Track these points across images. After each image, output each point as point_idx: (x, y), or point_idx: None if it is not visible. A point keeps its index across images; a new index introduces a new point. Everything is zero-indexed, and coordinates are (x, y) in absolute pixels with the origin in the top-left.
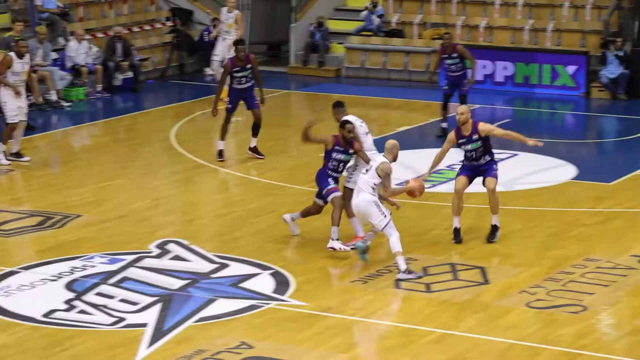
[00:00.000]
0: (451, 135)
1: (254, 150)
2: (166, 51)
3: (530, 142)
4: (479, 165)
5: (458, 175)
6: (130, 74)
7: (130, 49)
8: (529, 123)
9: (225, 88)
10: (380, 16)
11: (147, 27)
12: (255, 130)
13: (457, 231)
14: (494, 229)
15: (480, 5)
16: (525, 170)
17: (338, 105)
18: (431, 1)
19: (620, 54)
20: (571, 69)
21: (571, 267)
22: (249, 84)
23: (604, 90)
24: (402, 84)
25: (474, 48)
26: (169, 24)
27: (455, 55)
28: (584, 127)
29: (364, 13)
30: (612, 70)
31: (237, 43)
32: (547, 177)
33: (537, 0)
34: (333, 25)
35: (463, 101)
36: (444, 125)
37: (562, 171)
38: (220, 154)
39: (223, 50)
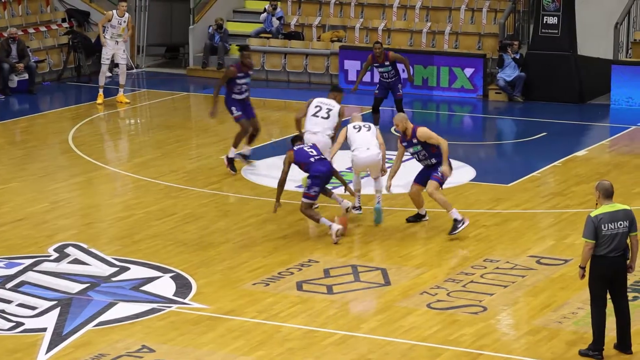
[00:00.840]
0: (399, 139)
1: (231, 162)
2: (63, 53)
3: (445, 167)
4: (426, 167)
5: (413, 181)
6: (26, 76)
7: (25, 50)
8: (428, 125)
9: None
10: (279, 18)
11: (42, 29)
12: (251, 139)
13: (416, 215)
14: (455, 222)
15: (378, 8)
16: None
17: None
18: (330, 3)
19: (517, 57)
20: (468, 71)
21: (471, 267)
22: (247, 93)
23: (500, 93)
24: (301, 86)
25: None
26: (65, 25)
27: (387, 63)
28: (482, 129)
29: (263, 15)
30: (509, 73)
31: (244, 48)
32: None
33: (435, 3)
34: (232, 27)
35: (399, 106)
36: None
37: (461, 173)
38: (232, 164)
39: (115, 54)
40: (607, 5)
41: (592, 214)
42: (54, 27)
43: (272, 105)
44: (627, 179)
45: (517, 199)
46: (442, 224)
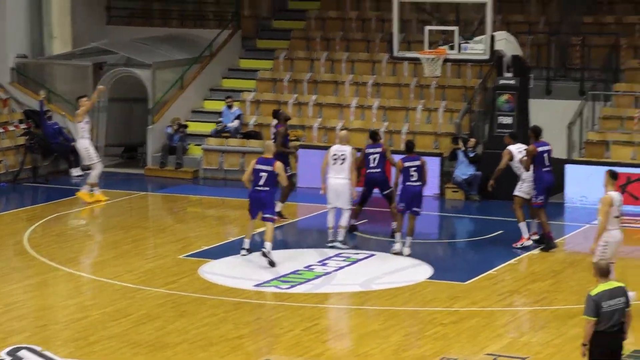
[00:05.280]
0: None
1: None
2: (19, 154)
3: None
4: None
5: None
6: None
7: None
8: (384, 222)
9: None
10: (237, 117)
11: None
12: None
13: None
14: None
15: (336, 107)
16: (383, 270)
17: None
18: (288, 103)
19: (472, 155)
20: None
21: None
22: None
23: (457, 191)
24: None
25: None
26: (23, 126)
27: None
28: (439, 227)
29: (224, 108)
30: (464, 170)
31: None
32: (404, 276)
33: (392, 103)
34: (190, 127)
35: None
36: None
37: (418, 271)
38: None
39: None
40: (560, 106)
41: (592, 293)
42: (11, 128)
43: (230, 205)
44: (582, 277)
45: (474, 297)
46: (398, 322)
